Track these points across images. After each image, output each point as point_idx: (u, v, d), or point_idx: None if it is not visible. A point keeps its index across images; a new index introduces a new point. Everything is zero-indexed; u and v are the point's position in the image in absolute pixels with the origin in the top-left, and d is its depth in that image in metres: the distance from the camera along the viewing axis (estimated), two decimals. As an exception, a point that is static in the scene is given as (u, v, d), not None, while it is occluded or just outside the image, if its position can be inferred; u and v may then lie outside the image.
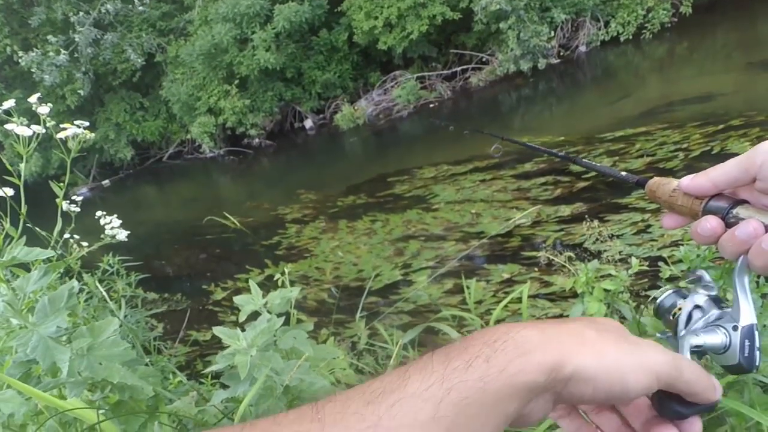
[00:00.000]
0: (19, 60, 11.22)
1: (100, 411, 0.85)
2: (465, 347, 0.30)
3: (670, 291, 0.44)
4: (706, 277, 0.40)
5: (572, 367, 0.30)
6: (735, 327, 0.38)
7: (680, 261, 1.11)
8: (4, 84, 12.34)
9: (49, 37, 11.41)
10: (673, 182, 0.44)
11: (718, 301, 0.41)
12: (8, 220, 0.85)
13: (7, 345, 0.78)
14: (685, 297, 0.42)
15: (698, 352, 0.39)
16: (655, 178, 0.46)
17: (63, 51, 11.24)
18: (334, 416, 0.26)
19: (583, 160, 0.60)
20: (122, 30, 11.88)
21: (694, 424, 0.35)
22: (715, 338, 0.38)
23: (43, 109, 0.89)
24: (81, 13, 11.41)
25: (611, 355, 0.31)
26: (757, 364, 0.38)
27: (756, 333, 0.38)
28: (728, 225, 0.39)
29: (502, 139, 0.86)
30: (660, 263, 1.47)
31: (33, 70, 11.22)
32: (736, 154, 0.39)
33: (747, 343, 0.37)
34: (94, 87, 12.31)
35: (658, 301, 0.44)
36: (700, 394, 0.34)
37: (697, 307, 0.41)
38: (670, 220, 0.44)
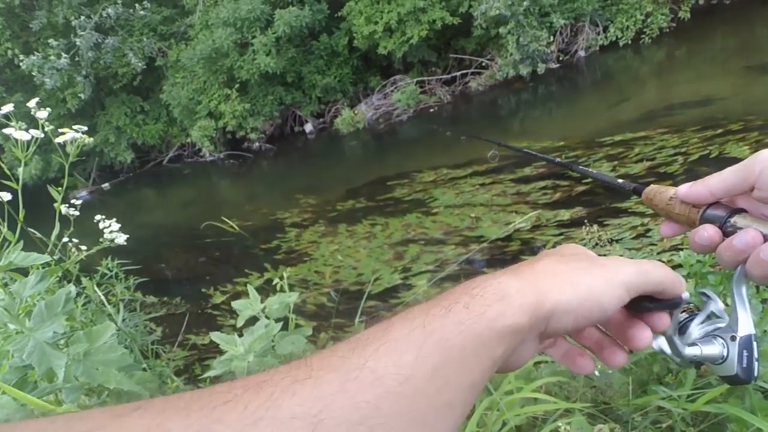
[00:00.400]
0: (20, 63, 11.25)
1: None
2: (444, 296, 0.31)
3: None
4: (707, 291, 0.40)
5: (551, 304, 0.31)
6: (733, 337, 0.37)
7: (680, 266, 1.10)
8: (4, 87, 12.36)
9: (51, 40, 11.45)
10: (670, 190, 0.43)
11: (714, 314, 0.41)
12: (6, 224, 0.85)
13: (3, 349, 0.78)
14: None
15: (696, 362, 0.39)
16: (652, 186, 0.46)
17: (64, 54, 11.28)
18: (321, 362, 0.27)
19: (580, 167, 0.60)
20: (123, 34, 11.92)
21: (661, 318, 0.37)
22: (712, 349, 0.38)
23: (42, 114, 0.89)
24: (82, 17, 11.45)
25: (584, 283, 0.33)
26: (755, 375, 0.37)
27: (754, 344, 0.37)
28: (726, 234, 0.38)
29: (498, 144, 0.85)
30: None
31: (34, 74, 11.24)
32: (736, 158, 0.39)
33: (745, 353, 0.37)
34: (95, 90, 12.34)
35: None
36: (668, 291, 0.36)
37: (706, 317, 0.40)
38: (668, 228, 0.44)
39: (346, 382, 0.26)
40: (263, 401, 0.24)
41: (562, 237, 3.86)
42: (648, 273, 0.35)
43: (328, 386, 0.25)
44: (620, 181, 0.51)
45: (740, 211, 0.39)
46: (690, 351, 0.38)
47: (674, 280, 0.36)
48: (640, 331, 0.36)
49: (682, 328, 0.41)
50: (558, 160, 0.66)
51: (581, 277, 0.33)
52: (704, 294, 0.42)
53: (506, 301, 0.30)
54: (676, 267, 1.16)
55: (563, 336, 0.40)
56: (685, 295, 0.37)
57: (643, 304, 0.36)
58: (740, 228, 0.38)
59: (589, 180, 4.70)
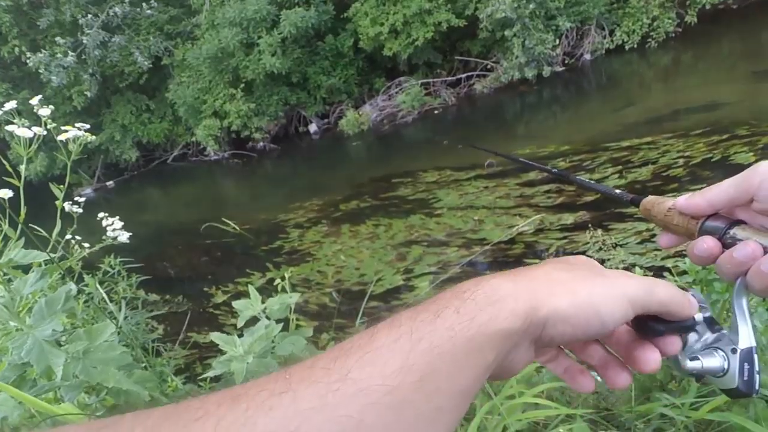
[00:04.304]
0: (27, 61, 11.33)
1: (96, 414, 0.84)
2: (433, 300, 0.30)
3: None
4: (698, 296, 0.40)
5: (546, 310, 0.30)
6: (734, 350, 0.37)
7: (685, 272, 1.09)
8: (11, 84, 12.45)
9: (58, 38, 11.52)
10: (668, 201, 0.43)
11: (712, 323, 0.40)
12: (7, 221, 0.85)
13: (2, 347, 0.78)
14: None
15: (696, 375, 0.38)
16: (650, 197, 0.46)
17: (71, 52, 11.35)
18: (301, 373, 0.26)
19: (577, 177, 0.59)
20: (130, 33, 11.99)
21: (672, 341, 0.35)
22: (713, 361, 0.37)
23: (44, 111, 0.89)
24: (89, 16, 11.52)
25: (583, 291, 0.31)
26: (756, 388, 0.37)
27: (755, 356, 0.37)
28: (725, 246, 0.38)
29: (495, 154, 0.85)
30: (664, 273, 1.46)
31: (41, 71, 11.32)
32: (741, 165, 0.39)
33: (746, 366, 0.36)
34: (101, 88, 12.41)
35: None
36: (677, 312, 0.34)
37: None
38: (666, 239, 0.44)
39: (326, 394, 0.24)
40: (236, 417, 0.23)
41: (565, 241, 3.84)
42: (653, 290, 0.33)
43: (306, 400, 0.24)
44: (618, 191, 0.50)
45: (739, 222, 0.38)
46: (691, 364, 0.37)
47: (683, 300, 0.35)
48: (649, 353, 0.35)
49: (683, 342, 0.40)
50: (555, 170, 0.65)
51: (581, 286, 0.32)
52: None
53: (499, 305, 0.29)
54: (681, 273, 1.15)
55: (564, 350, 0.39)
56: (698, 316, 0.36)
57: (652, 326, 0.35)
58: (740, 240, 0.37)
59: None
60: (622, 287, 0.32)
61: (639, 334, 0.36)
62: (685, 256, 1.11)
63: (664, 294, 0.33)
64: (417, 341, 0.27)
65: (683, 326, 0.35)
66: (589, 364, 0.38)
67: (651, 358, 0.35)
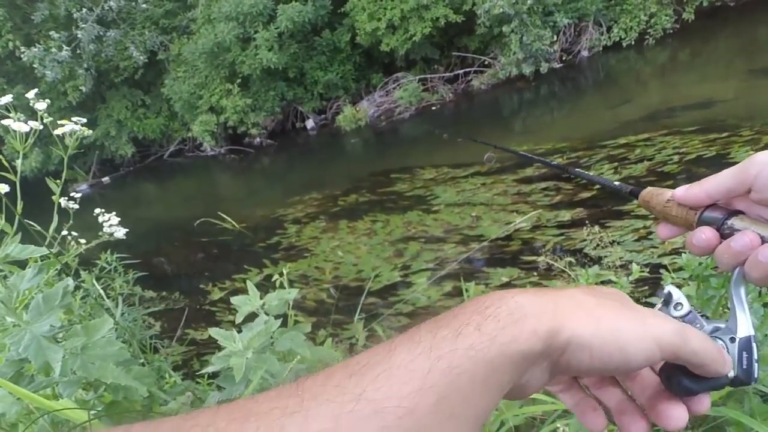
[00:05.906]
0: (22, 55, 11.22)
1: (93, 411, 0.84)
2: (454, 315, 0.28)
3: (661, 303, 0.43)
4: (676, 294, 0.40)
5: (568, 334, 0.28)
6: (732, 339, 0.37)
7: (681, 269, 1.10)
8: (5, 79, 12.33)
9: (52, 33, 11.41)
10: (667, 192, 0.43)
11: (697, 317, 0.40)
12: (4, 216, 0.84)
13: (0, 343, 0.77)
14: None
15: None
16: (649, 188, 0.46)
17: (65, 47, 11.25)
18: (314, 390, 0.24)
19: (577, 170, 0.59)
20: (125, 27, 11.89)
21: (702, 401, 0.33)
22: None
23: (41, 105, 0.88)
24: (84, 10, 11.41)
25: (609, 321, 0.29)
26: (755, 376, 0.37)
27: (754, 345, 0.37)
28: (723, 236, 0.38)
29: (495, 147, 0.85)
30: (661, 270, 1.46)
31: (35, 66, 11.22)
32: (737, 162, 0.39)
33: (745, 355, 0.36)
34: (96, 83, 12.31)
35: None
36: (709, 366, 0.32)
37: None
38: (665, 230, 0.44)
39: (339, 415, 0.23)
40: None
41: (562, 237, 3.85)
42: (688, 337, 0.31)
43: (318, 422, 0.23)
44: (617, 183, 0.50)
45: (737, 213, 0.39)
46: None
47: (718, 355, 0.32)
48: (676, 408, 0.32)
49: None
50: (555, 163, 0.66)
51: (608, 315, 0.30)
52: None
53: (520, 324, 0.27)
54: (678, 270, 1.15)
55: (579, 383, 0.37)
56: (731, 374, 0.33)
57: (682, 382, 0.33)
58: (738, 230, 0.38)
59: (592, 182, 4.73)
60: (654, 327, 0.30)
61: (668, 387, 0.34)
62: (681, 253, 1.12)
63: (697, 344, 0.31)
64: (436, 360, 0.25)
65: (717, 384, 0.33)
66: (605, 404, 0.36)
67: (678, 416, 0.32)
